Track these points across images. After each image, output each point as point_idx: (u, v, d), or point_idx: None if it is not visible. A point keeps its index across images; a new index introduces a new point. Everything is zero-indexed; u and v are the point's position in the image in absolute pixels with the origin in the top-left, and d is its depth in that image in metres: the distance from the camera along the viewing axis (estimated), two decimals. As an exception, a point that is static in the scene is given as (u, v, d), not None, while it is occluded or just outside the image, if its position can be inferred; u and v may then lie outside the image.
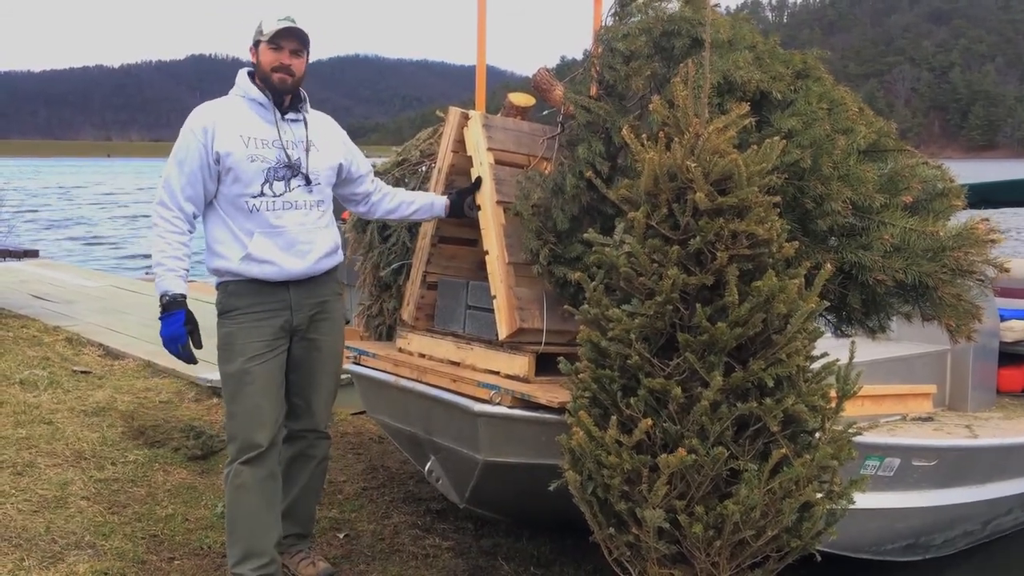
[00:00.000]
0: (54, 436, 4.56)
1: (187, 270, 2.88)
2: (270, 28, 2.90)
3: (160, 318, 2.85)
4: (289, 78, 2.92)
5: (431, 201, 3.34)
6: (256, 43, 2.94)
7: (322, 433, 3.19)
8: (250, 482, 2.88)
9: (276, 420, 2.94)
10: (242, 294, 2.91)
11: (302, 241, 2.93)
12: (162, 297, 2.84)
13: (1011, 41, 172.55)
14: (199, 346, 2.87)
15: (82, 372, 5.87)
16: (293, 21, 2.91)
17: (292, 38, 2.91)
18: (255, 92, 2.93)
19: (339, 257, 3.12)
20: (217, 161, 2.84)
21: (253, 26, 2.99)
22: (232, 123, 2.88)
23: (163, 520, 3.71)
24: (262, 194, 2.88)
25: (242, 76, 2.98)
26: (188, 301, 2.88)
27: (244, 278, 2.89)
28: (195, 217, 2.92)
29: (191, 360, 2.90)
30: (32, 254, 13.35)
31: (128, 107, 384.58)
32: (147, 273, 14.93)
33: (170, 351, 2.86)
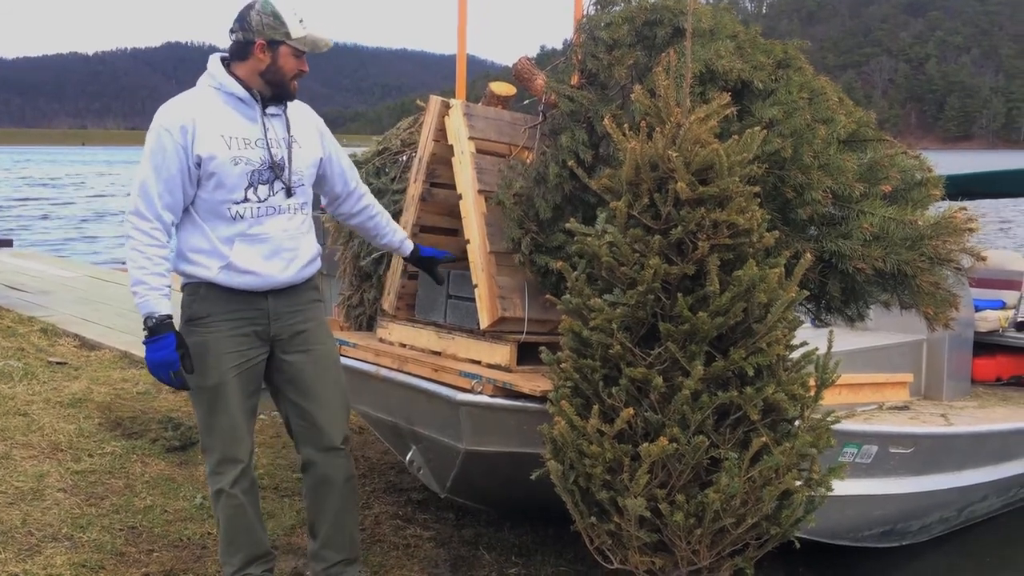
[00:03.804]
0: (30, 428, 4.50)
1: (170, 286, 2.63)
2: (301, 34, 2.67)
3: (145, 342, 2.58)
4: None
5: (401, 240, 3.16)
6: (273, 42, 2.66)
7: (337, 450, 2.84)
8: (243, 500, 2.76)
9: (251, 431, 2.80)
10: (216, 299, 2.68)
11: (287, 248, 2.72)
12: (147, 320, 2.57)
13: (987, 33, 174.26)
14: (190, 371, 2.62)
15: (58, 363, 5.81)
16: (304, 22, 2.68)
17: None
18: (233, 85, 2.66)
19: (319, 264, 2.89)
20: (198, 165, 2.59)
21: (246, 14, 2.64)
22: (212, 121, 2.62)
23: (141, 512, 3.68)
24: (246, 199, 2.65)
25: (216, 66, 2.69)
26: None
27: (220, 285, 2.68)
28: (173, 225, 2.66)
29: (184, 387, 2.63)
30: (6, 243, 13.18)
31: (103, 95, 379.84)
32: (124, 263, 14.79)
33: (159, 378, 2.61)
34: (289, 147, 2.73)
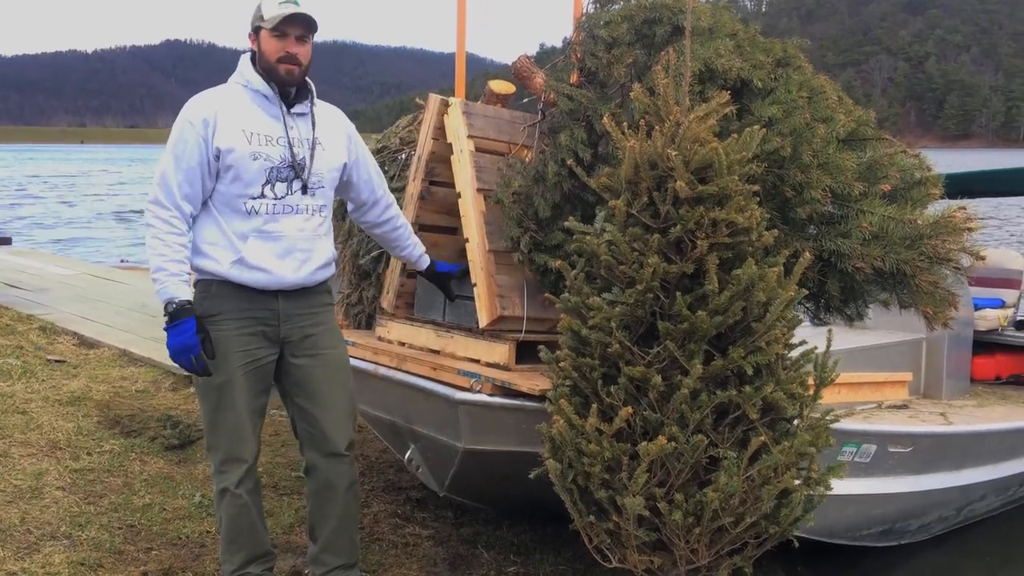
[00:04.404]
0: (28, 426, 4.50)
1: (189, 274, 2.65)
2: (272, 13, 2.64)
3: (166, 328, 2.59)
4: (296, 68, 2.67)
5: (420, 255, 3.16)
6: (256, 29, 2.68)
7: (341, 456, 2.82)
8: (247, 500, 2.76)
9: (257, 433, 2.80)
10: (226, 297, 2.68)
11: (300, 249, 2.71)
12: (167, 305, 2.59)
13: (986, 31, 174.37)
14: (212, 356, 2.63)
15: (56, 361, 5.81)
16: (296, 2, 2.64)
17: (298, 24, 2.65)
18: (259, 83, 2.68)
19: (333, 269, 2.89)
20: (217, 157, 2.62)
21: (250, 8, 2.75)
22: (234, 116, 2.64)
23: (140, 510, 3.68)
24: (262, 195, 2.65)
25: (245, 63, 2.73)
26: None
27: (231, 281, 2.68)
28: (192, 217, 2.68)
29: (205, 372, 2.63)
30: (5, 241, 13.19)
31: (102, 93, 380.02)
32: (122, 261, 14.80)
33: (181, 363, 2.62)
34: (312, 148, 2.73)
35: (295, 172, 2.69)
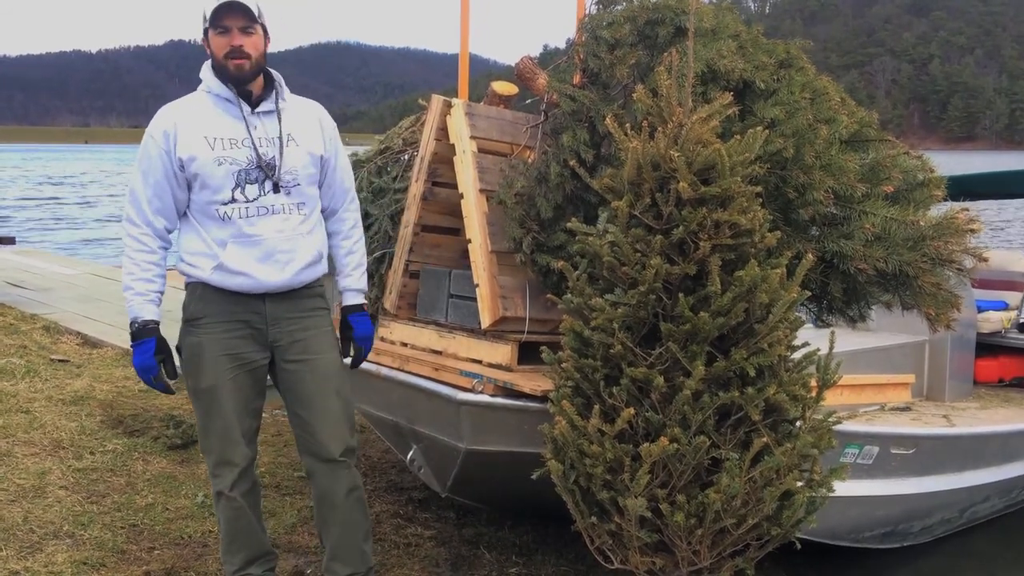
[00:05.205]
0: (31, 425, 4.51)
1: (160, 292, 2.66)
2: (211, 11, 2.57)
3: (132, 346, 2.65)
4: (245, 61, 2.57)
5: (342, 291, 2.90)
6: (204, 33, 2.62)
7: (337, 462, 2.74)
8: (242, 503, 2.76)
9: (250, 436, 2.77)
10: (213, 300, 2.66)
11: (281, 250, 2.64)
12: (132, 324, 2.63)
13: (990, 33, 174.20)
14: (173, 375, 2.67)
15: (60, 361, 5.82)
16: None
17: (235, 14, 2.55)
18: (218, 86, 2.62)
19: (323, 267, 2.79)
20: (182, 168, 2.59)
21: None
22: (195, 123, 2.60)
23: (142, 509, 3.69)
24: (233, 200, 2.60)
25: (205, 69, 2.67)
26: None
27: (214, 285, 2.66)
28: (169, 231, 2.66)
29: (167, 391, 2.68)
30: (8, 241, 13.22)
31: (106, 93, 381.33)
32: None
33: (143, 381, 2.68)
34: (282, 145, 2.65)
35: (265, 173, 2.62)
